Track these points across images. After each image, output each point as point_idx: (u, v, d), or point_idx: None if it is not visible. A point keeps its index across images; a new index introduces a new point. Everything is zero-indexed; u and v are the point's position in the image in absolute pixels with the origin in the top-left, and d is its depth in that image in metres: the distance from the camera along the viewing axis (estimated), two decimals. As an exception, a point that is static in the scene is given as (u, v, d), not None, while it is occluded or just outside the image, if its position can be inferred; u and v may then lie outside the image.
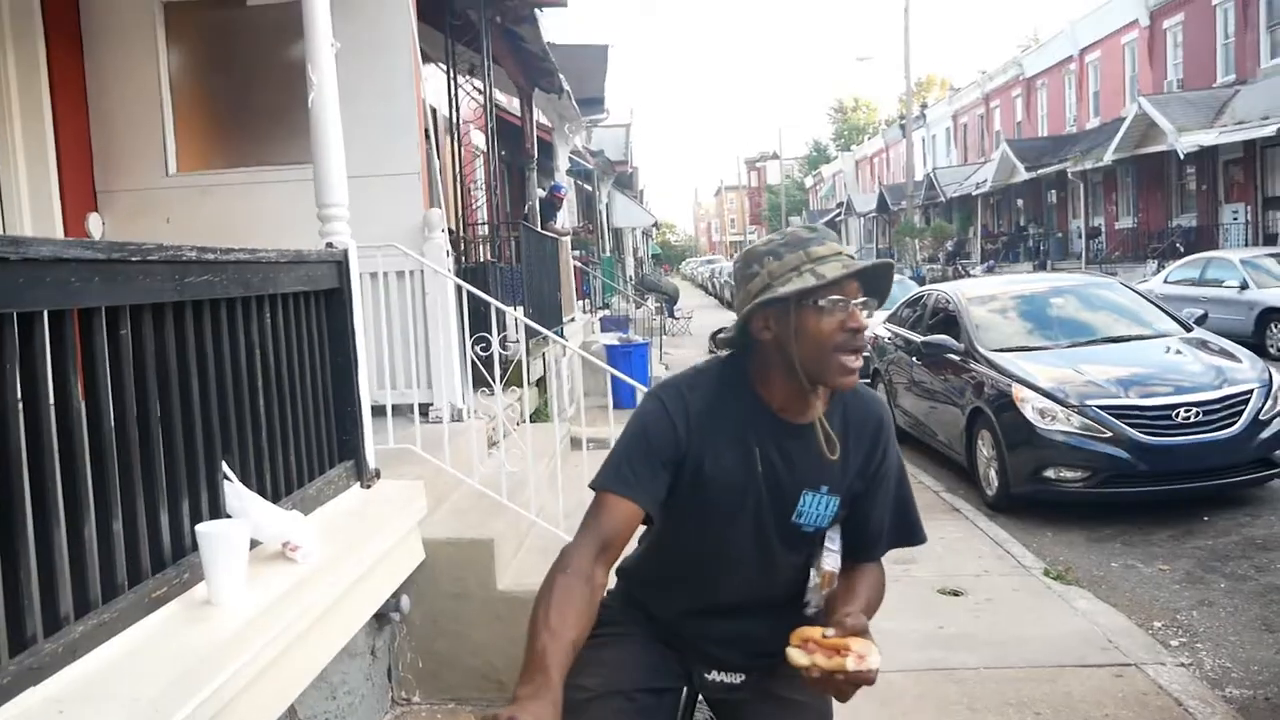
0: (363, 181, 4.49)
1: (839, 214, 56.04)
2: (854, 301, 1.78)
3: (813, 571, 1.96)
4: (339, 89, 3.62)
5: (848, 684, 1.67)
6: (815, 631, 1.70)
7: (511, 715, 1.47)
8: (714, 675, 2.01)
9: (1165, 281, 15.04)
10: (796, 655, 1.69)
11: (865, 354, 1.79)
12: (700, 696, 2.12)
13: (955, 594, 4.97)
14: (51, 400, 1.94)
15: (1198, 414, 6.12)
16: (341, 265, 3.47)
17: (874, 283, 1.84)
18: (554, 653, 1.60)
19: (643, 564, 2.08)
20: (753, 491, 1.88)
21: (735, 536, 1.91)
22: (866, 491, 1.95)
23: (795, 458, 1.88)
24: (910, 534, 2.04)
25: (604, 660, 1.94)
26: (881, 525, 1.99)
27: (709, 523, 1.91)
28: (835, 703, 2.02)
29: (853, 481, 1.93)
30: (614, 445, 1.92)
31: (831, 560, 1.96)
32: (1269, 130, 18.12)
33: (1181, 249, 20.35)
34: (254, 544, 2.58)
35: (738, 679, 2.00)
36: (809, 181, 71.78)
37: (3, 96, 4.68)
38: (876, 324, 10.19)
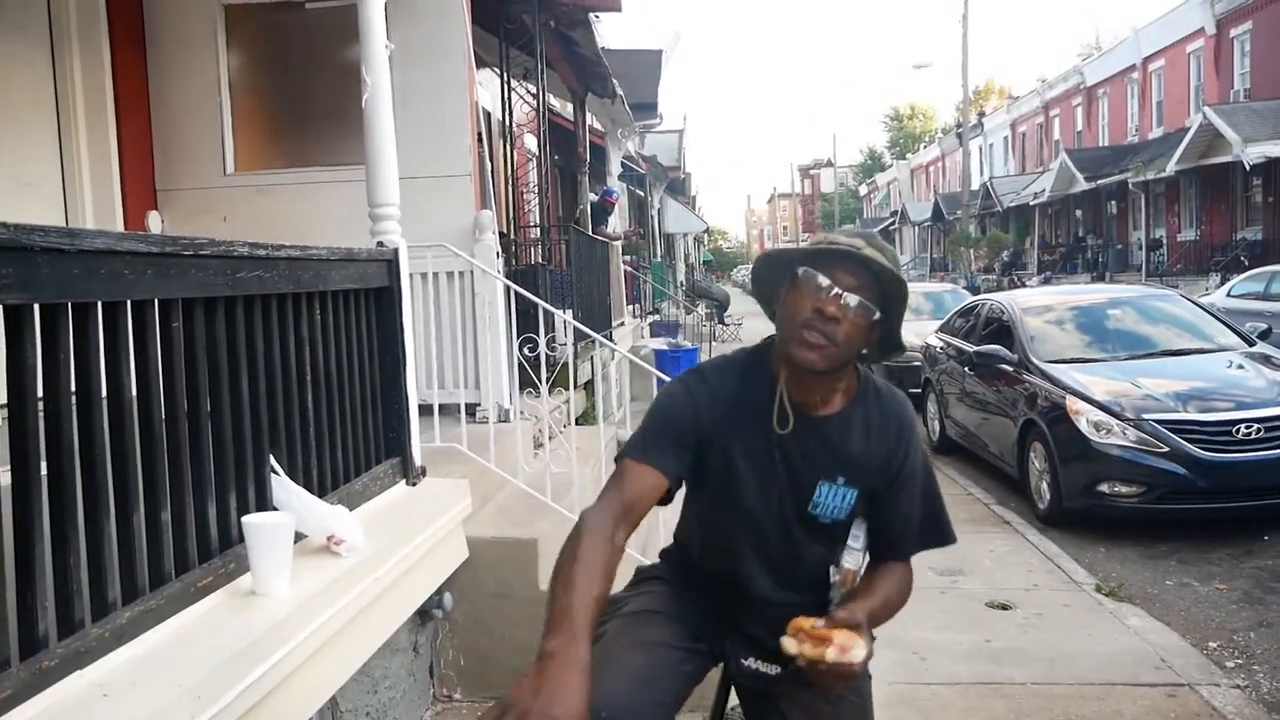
0: (415, 182, 4.54)
1: (893, 222, 55.51)
2: (828, 284, 1.80)
3: (833, 569, 1.98)
4: (394, 91, 3.66)
5: (830, 675, 1.71)
6: (807, 622, 1.75)
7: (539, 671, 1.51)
8: (751, 662, 2.00)
9: (1228, 295, 14.67)
10: (788, 643, 1.74)
11: (826, 344, 1.81)
12: (732, 687, 2.12)
13: (1004, 608, 4.89)
14: (104, 390, 1.98)
15: (1259, 430, 5.96)
16: (392, 264, 3.50)
17: (878, 281, 1.83)
18: (579, 607, 1.62)
19: (687, 535, 2.13)
20: (773, 479, 1.93)
21: (760, 522, 1.95)
22: (889, 490, 1.96)
23: (812, 449, 1.92)
24: (939, 535, 2.05)
25: (653, 592, 2.07)
26: (908, 525, 2.00)
27: (736, 506, 1.95)
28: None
29: (871, 476, 1.94)
30: (645, 416, 2.00)
31: (852, 559, 1.98)
32: (1340, 141, 17.63)
33: (1246, 262, 19.85)
34: (299, 537, 2.61)
35: (774, 670, 1.97)
36: (863, 189, 71.23)
37: (69, 97, 4.80)
38: (928, 333, 10.09)
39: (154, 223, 5.15)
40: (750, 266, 2.00)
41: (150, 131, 5.34)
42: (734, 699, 2.20)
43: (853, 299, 1.80)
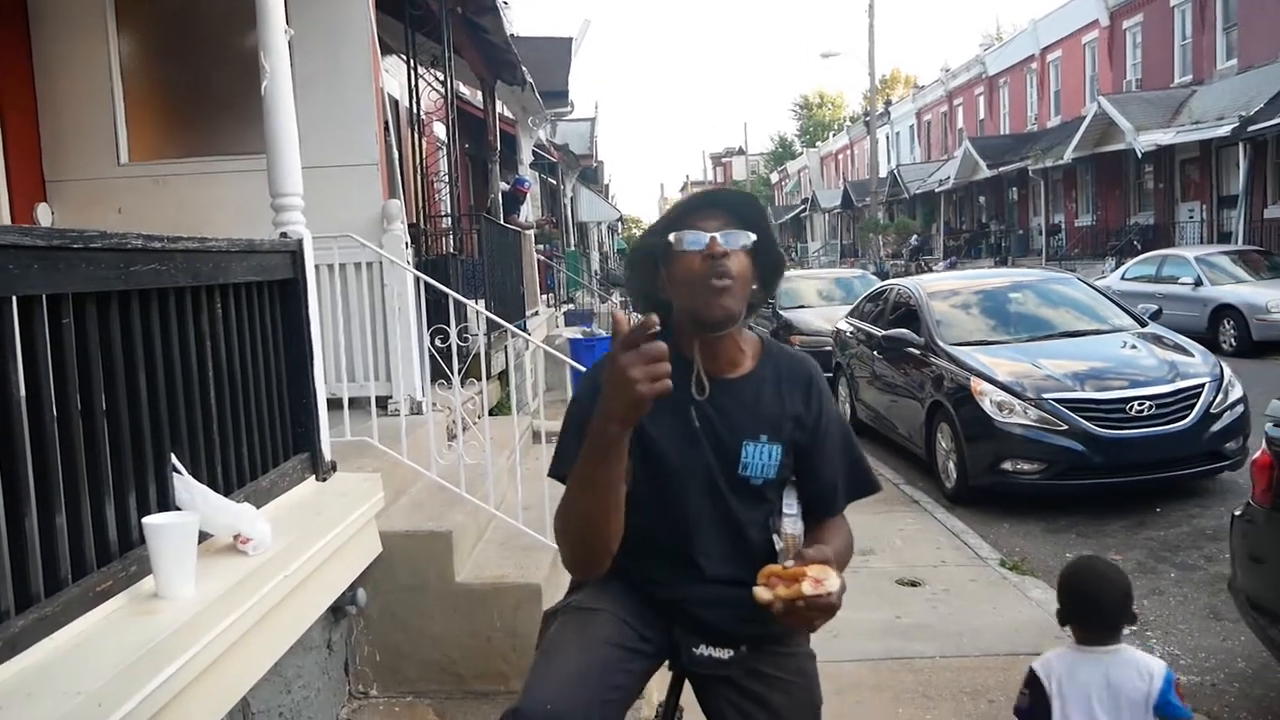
0: (320, 172, 4.45)
1: (804, 209, 56.27)
2: (702, 233, 1.88)
3: (775, 538, 2.00)
4: (296, 78, 3.58)
5: (809, 610, 1.72)
6: (776, 567, 1.77)
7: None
8: (703, 650, 1.99)
9: (1122, 278, 15.26)
10: (760, 592, 1.75)
11: (727, 291, 1.88)
12: (685, 682, 2.11)
13: (913, 584, 5.02)
14: (-10, 390, 1.90)
15: (1151, 407, 6.22)
16: (296, 255, 3.43)
17: (735, 211, 1.94)
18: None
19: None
20: (697, 449, 1.95)
21: (692, 496, 1.96)
22: (812, 444, 2.01)
23: (730, 410, 1.96)
24: (865, 483, 2.11)
25: (596, 592, 2.03)
26: (835, 478, 2.05)
27: (665, 485, 1.95)
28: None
29: (792, 429, 1.99)
30: (561, 428, 2.00)
31: (791, 524, 2.02)
32: (1224, 131, 18.40)
33: (1139, 246, 20.63)
34: (205, 537, 2.54)
35: (726, 654, 1.98)
36: (775, 177, 71.97)
37: (-52, 83, 4.59)
38: (839, 318, 10.27)
39: (43, 215, 4.95)
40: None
41: (37, 120, 5.12)
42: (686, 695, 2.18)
43: (727, 232, 1.89)
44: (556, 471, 1.95)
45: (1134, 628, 4.44)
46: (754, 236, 1.92)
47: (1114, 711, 2.29)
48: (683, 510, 1.96)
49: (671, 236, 1.91)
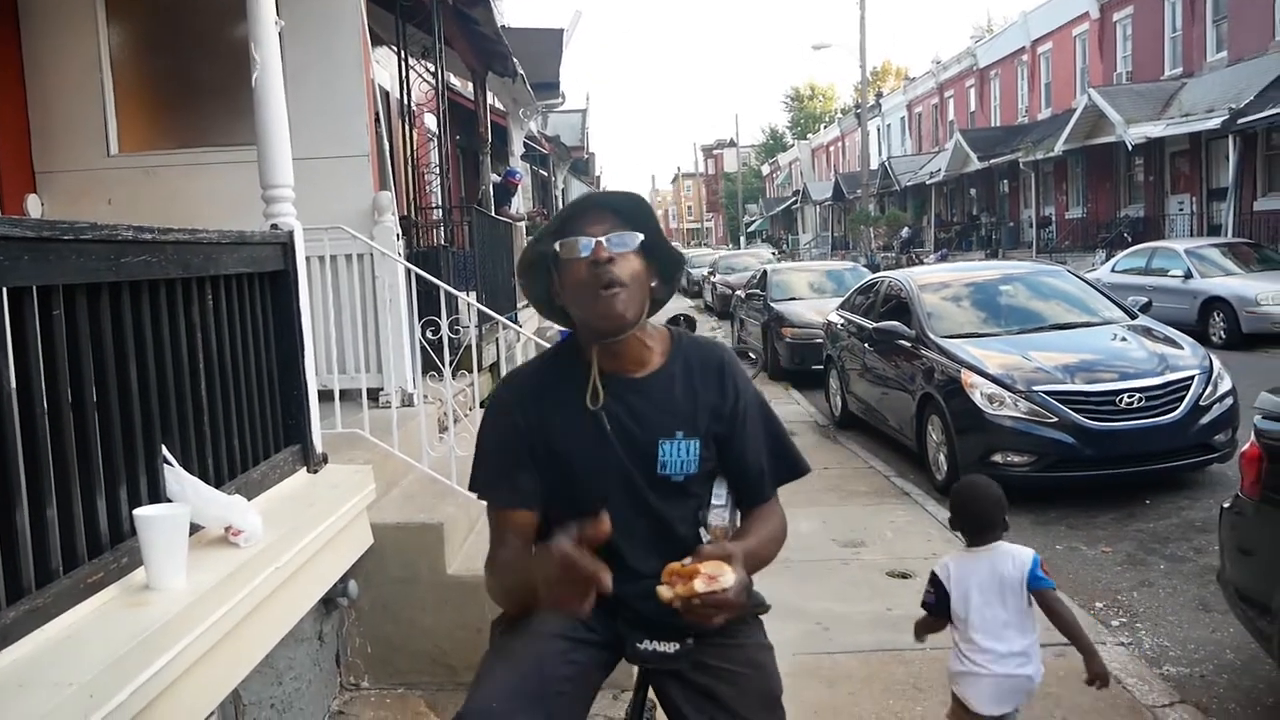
0: (311, 164, 4.43)
1: (795, 202, 56.31)
2: (586, 238, 1.84)
3: (702, 532, 1.99)
4: (286, 69, 3.57)
5: (707, 607, 1.71)
6: (676, 565, 1.76)
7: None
8: (647, 645, 1.96)
9: (1113, 270, 15.30)
10: (663, 590, 1.74)
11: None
12: (649, 689, 2.09)
13: (904, 576, 5.04)
14: (-20, 381, 1.89)
15: (1141, 399, 6.24)
16: (286, 247, 3.42)
17: (622, 212, 1.90)
18: (519, 559, 1.88)
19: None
20: (611, 454, 1.92)
21: (612, 502, 1.90)
22: (732, 433, 1.99)
23: (642, 410, 1.94)
24: (792, 466, 2.09)
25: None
26: (760, 464, 2.03)
27: (582, 495, 1.91)
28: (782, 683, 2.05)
29: (709, 421, 1.97)
30: (475, 447, 2.03)
31: (719, 516, 2.01)
32: (1214, 123, 18.46)
33: (1129, 238, 20.69)
34: (196, 529, 2.54)
35: (672, 648, 1.95)
36: (765, 169, 71.96)
37: (-64, 73, 4.56)
38: (829, 311, 10.28)
39: (33, 207, 4.93)
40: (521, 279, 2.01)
41: (26, 111, 5.10)
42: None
43: (614, 234, 1.85)
44: (474, 488, 2.02)
45: (1124, 619, 4.49)
46: (641, 236, 1.88)
47: (999, 592, 2.85)
48: (606, 516, 1.94)
49: (558, 244, 1.88)
